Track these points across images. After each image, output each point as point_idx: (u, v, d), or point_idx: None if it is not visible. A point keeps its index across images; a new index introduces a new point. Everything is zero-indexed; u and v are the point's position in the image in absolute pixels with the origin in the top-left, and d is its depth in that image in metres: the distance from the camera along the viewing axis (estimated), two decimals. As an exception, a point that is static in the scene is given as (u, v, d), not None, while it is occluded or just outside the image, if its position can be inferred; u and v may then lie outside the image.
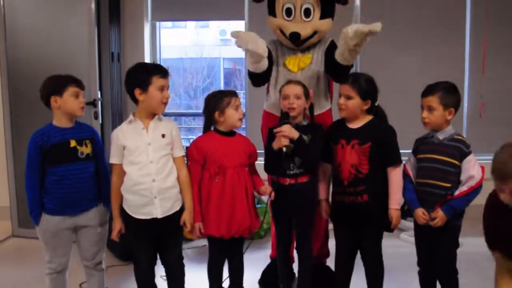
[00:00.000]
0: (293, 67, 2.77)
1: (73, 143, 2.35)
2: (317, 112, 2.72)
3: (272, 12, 2.81)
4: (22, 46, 3.77)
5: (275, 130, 2.46)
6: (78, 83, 2.38)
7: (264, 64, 2.68)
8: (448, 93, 2.33)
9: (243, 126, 4.52)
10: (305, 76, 2.74)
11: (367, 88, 2.44)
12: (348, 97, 2.42)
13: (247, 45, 2.45)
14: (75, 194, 2.35)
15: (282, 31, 2.75)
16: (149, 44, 4.42)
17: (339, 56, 2.61)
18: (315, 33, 2.73)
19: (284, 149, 2.40)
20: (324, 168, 2.58)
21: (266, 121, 2.87)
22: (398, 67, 4.18)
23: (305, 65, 2.76)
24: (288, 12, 2.73)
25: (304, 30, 2.69)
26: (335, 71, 2.71)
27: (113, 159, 2.38)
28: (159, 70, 2.34)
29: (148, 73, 2.32)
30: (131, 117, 2.39)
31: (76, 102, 2.35)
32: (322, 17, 2.73)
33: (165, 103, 2.36)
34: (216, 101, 2.46)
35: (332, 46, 2.76)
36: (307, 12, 2.71)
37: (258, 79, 2.80)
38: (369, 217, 2.44)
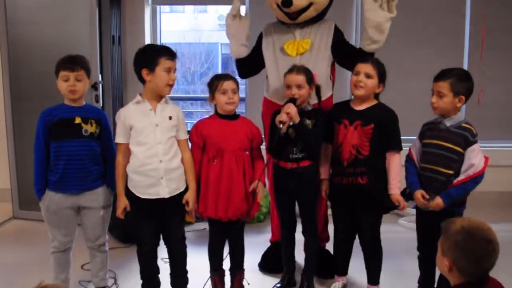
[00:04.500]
0: (291, 52, 2.74)
1: (78, 120, 2.40)
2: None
3: None
4: (24, 29, 3.75)
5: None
6: (68, 67, 2.38)
7: (242, 49, 2.80)
8: (460, 81, 2.31)
9: (242, 111, 4.52)
10: (304, 61, 2.71)
11: (383, 71, 2.47)
12: (369, 76, 2.44)
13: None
14: (75, 171, 2.39)
15: (278, 5, 2.71)
16: (149, 28, 4.40)
17: (370, 42, 2.67)
18: (310, 4, 2.68)
19: (280, 125, 2.40)
20: (326, 148, 2.61)
21: (267, 108, 2.87)
22: (396, 52, 4.17)
23: (304, 50, 2.74)
24: None
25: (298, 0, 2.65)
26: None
27: (119, 139, 2.39)
28: (167, 52, 2.36)
29: (156, 54, 2.34)
30: (138, 97, 2.40)
31: (64, 85, 2.39)
32: None
33: (171, 85, 2.38)
34: (209, 85, 2.50)
35: (339, 34, 2.77)
36: None
37: (243, 65, 2.87)
38: (368, 198, 2.47)
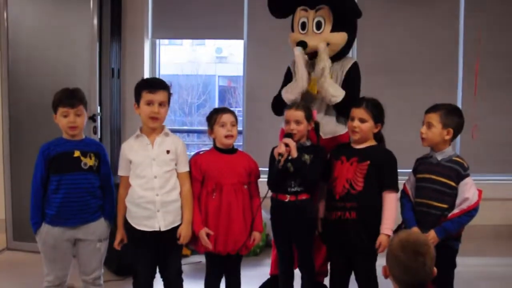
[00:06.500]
0: (312, 89, 2.79)
1: (77, 153, 2.40)
2: (329, 135, 2.77)
3: (292, 28, 2.91)
4: (24, 61, 3.79)
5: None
6: (68, 103, 2.37)
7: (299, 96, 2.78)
8: (450, 114, 2.37)
9: (240, 143, 4.55)
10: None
11: (379, 113, 2.50)
12: (362, 120, 2.47)
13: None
14: (73, 204, 2.38)
15: None
16: (148, 61, 4.47)
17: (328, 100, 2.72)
18: (326, 45, 2.76)
19: (279, 157, 2.42)
20: (324, 188, 2.61)
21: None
22: (391, 88, 4.25)
23: None
24: (303, 26, 2.83)
25: (313, 40, 2.74)
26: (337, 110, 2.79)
27: (121, 172, 2.44)
28: (147, 85, 2.40)
29: (139, 88, 2.40)
30: (138, 132, 2.44)
31: (64, 122, 2.39)
32: (334, 30, 2.78)
33: (153, 118, 2.38)
34: (209, 119, 2.53)
35: (352, 72, 2.81)
36: (318, 25, 2.78)
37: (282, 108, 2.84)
38: (357, 236, 2.46)
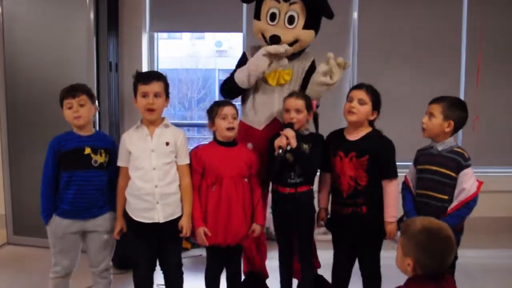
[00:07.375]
0: (272, 81, 2.74)
1: (87, 151, 2.41)
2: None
3: (257, 15, 2.80)
4: (21, 55, 3.78)
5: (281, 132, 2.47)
6: (70, 94, 2.39)
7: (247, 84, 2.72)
8: (452, 106, 2.35)
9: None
10: (283, 92, 2.72)
11: (378, 99, 2.48)
12: (362, 102, 2.44)
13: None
14: (83, 200, 2.40)
15: (263, 35, 2.75)
16: (146, 54, 4.44)
17: (309, 92, 2.67)
18: (296, 41, 2.71)
19: (280, 151, 2.41)
20: (324, 177, 2.61)
21: (239, 131, 2.74)
22: (393, 80, 4.23)
23: (284, 81, 2.74)
24: (273, 16, 2.72)
25: (285, 36, 2.68)
26: None
27: (120, 162, 2.45)
28: (142, 77, 2.42)
29: (135, 81, 2.42)
30: (138, 123, 2.45)
31: (69, 113, 2.40)
32: (306, 27, 2.72)
33: (150, 110, 2.39)
34: (210, 112, 2.53)
35: (312, 70, 2.75)
36: (291, 19, 2.70)
37: (236, 92, 2.80)
38: (368, 229, 2.47)
